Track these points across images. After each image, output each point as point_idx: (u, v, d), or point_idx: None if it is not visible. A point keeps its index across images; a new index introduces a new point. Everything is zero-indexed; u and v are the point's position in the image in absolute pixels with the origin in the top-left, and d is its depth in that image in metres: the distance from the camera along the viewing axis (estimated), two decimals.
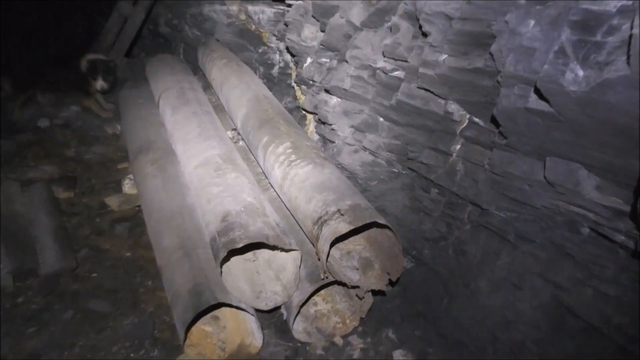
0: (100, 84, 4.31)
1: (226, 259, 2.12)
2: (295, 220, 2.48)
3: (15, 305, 2.51)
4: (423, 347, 2.33)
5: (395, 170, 2.63)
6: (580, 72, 1.42)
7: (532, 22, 1.58)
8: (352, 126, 2.74)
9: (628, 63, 1.24)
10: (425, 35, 2.03)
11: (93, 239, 3.05)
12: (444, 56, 1.97)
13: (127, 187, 3.45)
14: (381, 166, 2.67)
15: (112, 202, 3.34)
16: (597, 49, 1.37)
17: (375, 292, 2.41)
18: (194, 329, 2.28)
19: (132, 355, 2.31)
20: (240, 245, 2.07)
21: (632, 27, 1.23)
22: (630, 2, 1.25)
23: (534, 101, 1.62)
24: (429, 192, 2.51)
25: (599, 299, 1.85)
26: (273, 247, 2.23)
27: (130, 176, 3.44)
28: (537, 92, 1.55)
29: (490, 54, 1.72)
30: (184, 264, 2.30)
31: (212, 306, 2.12)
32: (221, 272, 2.13)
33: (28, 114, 4.25)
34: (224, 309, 2.37)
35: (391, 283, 2.28)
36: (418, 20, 2.02)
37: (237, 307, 2.19)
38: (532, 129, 1.73)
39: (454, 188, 2.29)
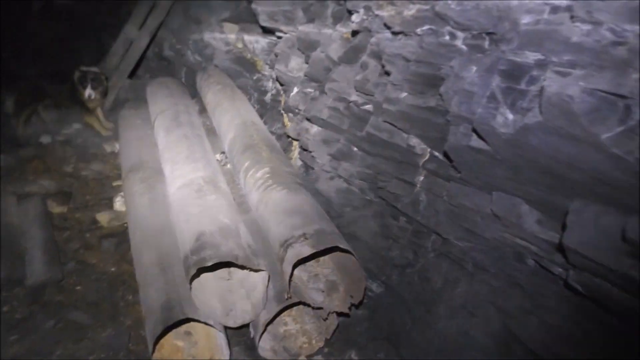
0: (88, 92, 4.49)
1: (196, 276, 2.27)
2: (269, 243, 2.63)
3: None
4: None
5: (367, 198, 2.78)
6: (510, 116, 1.58)
7: (474, 68, 1.75)
8: (330, 154, 2.91)
9: (540, 111, 1.39)
10: (387, 74, 2.20)
11: (81, 253, 3.22)
12: (404, 94, 2.14)
13: (118, 204, 3.63)
14: (354, 194, 2.82)
15: (103, 218, 3.52)
16: (522, 96, 1.53)
17: (341, 315, 2.54)
18: (166, 343, 2.41)
19: None
20: (210, 263, 2.23)
21: (544, 80, 1.39)
22: (544, 57, 1.41)
23: (475, 140, 1.78)
24: (397, 220, 2.65)
25: (542, 328, 1.96)
26: (242, 267, 2.37)
27: (122, 194, 3.63)
28: (475, 132, 1.71)
29: (440, 94, 1.89)
30: (160, 280, 2.45)
31: (181, 321, 2.26)
32: (190, 288, 2.28)
33: (31, 129, 4.48)
34: (196, 326, 2.50)
35: (354, 306, 2.41)
36: (381, 60, 2.20)
37: (205, 323, 2.33)
38: (477, 165, 1.88)
39: (419, 217, 2.44)
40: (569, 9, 1.37)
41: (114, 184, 4.06)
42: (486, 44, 1.71)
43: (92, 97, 4.53)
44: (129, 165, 3.53)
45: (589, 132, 1.30)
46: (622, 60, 1.23)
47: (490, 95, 1.60)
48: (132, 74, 5.53)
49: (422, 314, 2.48)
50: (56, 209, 3.60)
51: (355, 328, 2.75)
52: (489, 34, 1.68)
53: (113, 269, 3.12)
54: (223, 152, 3.64)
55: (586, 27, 1.30)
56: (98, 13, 5.66)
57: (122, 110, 4.54)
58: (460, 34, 1.80)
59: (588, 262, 1.57)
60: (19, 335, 2.54)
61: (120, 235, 3.37)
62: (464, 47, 1.79)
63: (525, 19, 1.50)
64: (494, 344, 2.14)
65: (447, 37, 1.84)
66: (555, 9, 1.41)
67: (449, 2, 1.75)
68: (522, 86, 1.52)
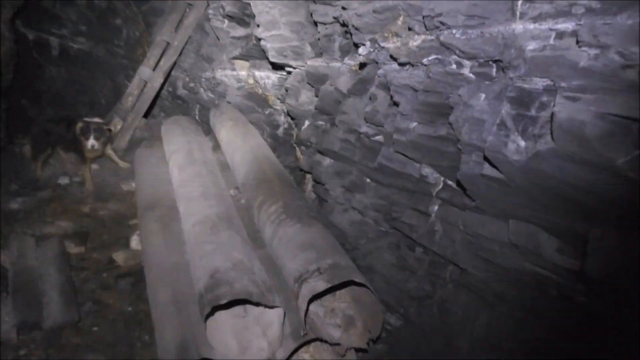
0: (91, 142, 4.50)
1: (211, 314, 2.24)
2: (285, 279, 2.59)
3: (17, 358, 2.66)
4: None
5: (382, 229, 2.75)
6: (522, 143, 1.56)
7: (482, 96, 1.73)
8: (343, 186, 2.90)
9: (552, 138, 1.36)
10: (396, 104, 2.20)
11: (98, 293, 3.22)
12: (414, 124, 2.13)
13: (134, 243, 3.65)
14: (369, 225, 2.79)
15: (119, 257, 3.53)
16: (533, 122, 1.50)
17: (359, 350, 2.47)
18: None
19: None
20: (224, 301, 2.20)
21: (554, 105, 1.36)
22: (552, 82, 1.39)
23: (487, 168, 1.75)
24: (413, 251, 2.61)
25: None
26: (257, 304, 2.34)
27: (138, 232, 3.64)
28: (487, 160, 1.68)
29: (450, 123, 1.88)
30: (175, 319, 2.43)
31: None
32: (206, 327, 2.24)
33: (49, 172, 4.57)
34: None
35: (372, 341, 2.35)
36: (389, 90, 2.20)
37: None
38: (491, 193, 1.85)
39: (435, 247, 2.39)
40: (574, 34, 1.35)
41: (131, 222, 4.08)
42: (493, 71, 1.70)
43: (95, 147, 4.55)
44: (144, 203, 3.56)
45: (604, 157, 1.27)
46: (633, 83, 1.21)
47: (501, 123, 1.58)
48: (147, 114, 5.63)
49: (443, 347, 2.41)
50: (74, 249, 3.62)
51: None
52: (495, 61, 1.68)
53: (129, 309, 3.11)
54: (237, 188, 3.65)
55: (593, 51, 1.29)
56: (113, 56, 5.81)
57: (138, 149, 4.61)
58: (467, 63, 1.80)
59: (611, 290, 1.51)
60: None
61: (137, 274, 3.36)
62: (471, 75, 1.79)
63: (531, 45, 1.49)
64: None
65: (454, 66, 1.84)
66: (560, 35, 1.40)
67: (454, 31, 1.76)
68: (533, 112, 1.50)
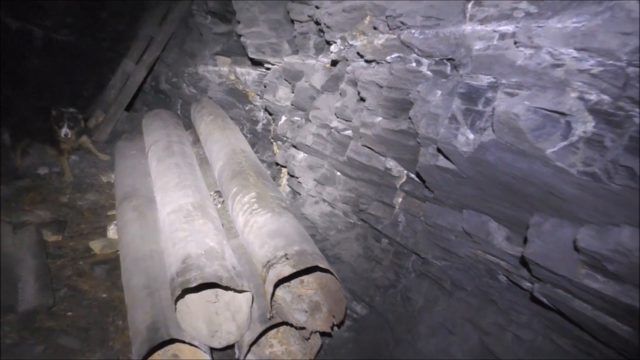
0: (64, 131, 4.58)
1: (181, 297, 2.34)
2: (254, 265, 2.70)
3: None
4: None
5: (351, 220, 2.87)
6: (471, 136, 1.69)
7: (438, 92, 1.86)
8: (315, 179, 3.02)
9: (493, 130, 1.50)
10: (363, 100, 2.33)
11: (73, 280, 3.30)
12: (379, 118, 2.26)
13: (111, 232, 3.72)
14: (338, 217, 2.91)
15: (96, 246, 3.60)
16: (480, 116, 1.64)
17: (324, 335, 2.59)
18: None
19: None
20: (194, 284, 2.30)
21: (495, 100, 1.50)
22: (495, 79, 1.53)
23: (441, 160, 1.88)
24: (379, 242, 2.73)
25: (516, 343, 2.02)
26: (227, 288, 2.44)
27: (115, 222, 3.72)
28: (440, 152, 1.81)
29: (410, 118, 2.00)
30: (147, 303, 2.52)
31: (167, 342, 2.32)
32: (176, 309, 2.34)
33: (29, 161, 4.62)
34: (183, 349, 2.55)
35: (337, 326, 2.46)
36: (357, 86, 2.33)
37: (190, 344, 2.38)
38: (446, 183, 1.98)
39: (398, 238, 2.52)
40: (513, 35, 1.49)
41: (109, 213, 4.16)
42: (448, 69, 1.84)
43: (68, 136, 4.62)
44: (122, 193, 3.64)
45: (536, 147, 1.40)
46: (561, 81, 1.34)
47: (452, 117, 1.71)
48: (130, 107, 5.71)
49: (404, 334, 2.53)
50: (51, 237, 3.68)
51: (340, 350, 2.79)
52: (449, 59, 1.81)
53: (104, 295, 3.19)
54: (217, 191, 3.71)
55: (528, 51, 1.42)
56: (98, 48, 5.87)
57: (119, 141, 4.69)
58: (425, 61, 1.93)
59: (549, 274, 1.64)
60: None
61: (112, 262, 3.44)
62: (429, 72, 1.92)
63: (478, 45, 1.62)
64: None
65: (414, 64, 1.97)
66: (502, 36, 1.54)
67: (413, 30, 1.89)
68: (480, 107, 1.63)
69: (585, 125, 1.33)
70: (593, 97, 1.29)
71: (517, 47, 1.46)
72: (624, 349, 1.57)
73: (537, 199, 1.59)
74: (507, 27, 1.52)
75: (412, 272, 2.57)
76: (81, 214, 4.14)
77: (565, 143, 1.36)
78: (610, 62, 1.23)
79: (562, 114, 1.35)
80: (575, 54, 1.31)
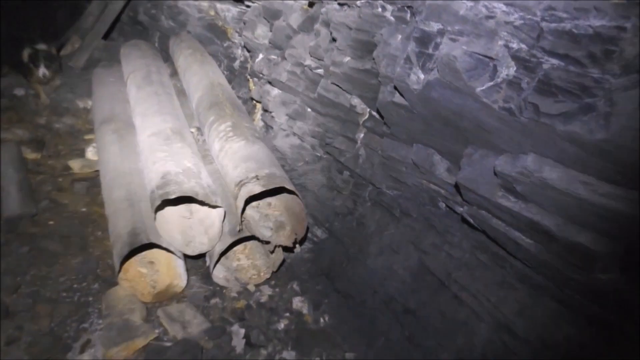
0: (42, 71, 4.60)
1: (160, 207, 2.66)
2: (227, 185, 3.03)
3: None
4: (320, 298, 2.90)
5: (317, 154, 3.21)
6: (421, 75, 2.02)
7: (399, 36, 2.17)
8: (287, 114, 3.32)
9: (437, 70, 1.83)
10: (334, 40, 2.62)
11: (54, 194, 3.57)
12: (347, 58, 2.56)
13: (90, 153, 3.97)
14: (306, 149, 3.24)
15: (75, 165, 3.86)
16: (429, 58, 1.96)
17: (287, 249, 2.98)
18: (130, 268, 2.79)
19: (75, 285, 2.83)
20: (173, 196, 2.62)
21: (441, 44, 1.82)
22: (442, 27, 1.85)
23: (397, 97, 2.21)
24: (341, 174, 3.09)
25: (448, 261, 2.43)
26: (202, 203, 2.77)
27: (94, 144, 3.96)
28: (396, 89, 2.14)
29: (373, 58, 2.31)
30: (128, 212, 2.84)
31: (145, 246, 2.66)
32: (155, 218, 2.67)
33: (6, 82, 4.75)
34: (159, 256, 2.89)
35: (297, 243, 2.84)
36: (329, 27, 2.61)
37: (167, 250, 2.73)
38: (400, 119, 2.32)
39: (358, 170, 2.88)
40: None
41: (86, 137, 4.38)
42: (408, 16, 2.14)
43: (47, 75, 4.66)
44: (101, 117, 3.87)
45: (468, 85, 1.74)
46: (492, 30, 1.67)
47: (407, 58, 2.03)
48: (107, 36, 5.79)
49: (356, 253, 2.93)
50: (30, 155, 3.91)
51: (300, 267, 3.19)
52: (408, 7, 2.11)
53: (84, 209, 3.48)
54: (198, 128, 3.94)
55: (469, 3, 1.73)
56: None
57: (96, 68, 4.85)
58: (389, 7, 2.23)
59: (475, 196, 2.02)
60: None
61: (92, 180, 3.72)
62: (392, 18, 2.22)
63: None
64: (410, 275, 2.60)
65: (380, 9, 2.27)
66: None
67: None
68: (430, 51, 1.95)
69: (508, 70, 1.67)
70: (514, 45, 1.63)
71: None
72: (527, 259, 1.97)
73: (470, 132, 1.95)
74: None
75: (368, 201, 2.95)
76: (58, 135, 4.34)
77: (491, 83, 1.70)
78: (529, 16, 1.56)
79: (491, 58, 1.68)
80: (504, 8, 1.63)
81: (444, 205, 2.45)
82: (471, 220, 2.16)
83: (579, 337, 1.85)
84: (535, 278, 1.98)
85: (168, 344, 2.51)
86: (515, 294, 2.07)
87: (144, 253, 2.79)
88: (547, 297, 1.95)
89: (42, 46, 4.73)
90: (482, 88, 1.72)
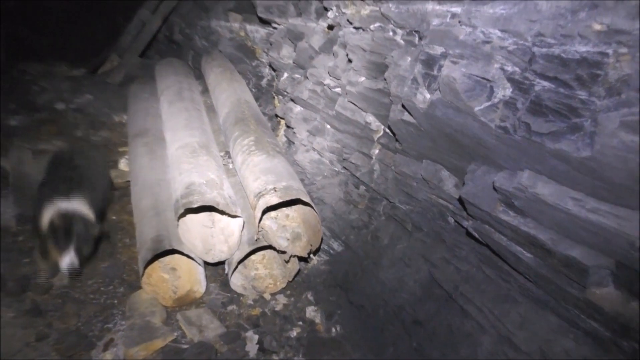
0: (69, 260, 2.77)
1: (183, 215, 2.86)
2: (247, 196, 3.21)
3: (15, 242, 3.26)
4: (333, 308, 3.02)
5: (335, 168, 3.36)
6: (427, 95, 2.16)
7: (408, 58, 2.32)
8: (308, 130, 3.50)
9: (439, 90, 1.97)
10: (350, 61, 2.79)
11: None
12: (362, 78, 2.72)
13: (123, 165, 4.23)
14: (325, 164, 3.40)
15: None
16: (434, 79, 2.10)
17: (302, 260, 3.12)
18: (154, 273, 2.99)
19: (102, 288, 3.04)
20: (195, 205, 2.81)
21: (443, 67, 1.96)
22: (445, 50, 1.99)
23: (406, 115, 2.35)
24: (358, 188, 3.23)
25: (455, 273, 2.53)
26: (222, 213, 2.95)
27: (127, 156, 4.22)
28: (404, 108, 2.28)
29: (385, 79, 2.47)
30: (153, 220, 3.04)
31: (168, 252, 2.85)
32: (178, 225, 2.86)
33: (47, 96, 5.10)
34: (181, 263, 3.08)
35: (312, 253, 2.99)
36: (346, 49, 2.78)
37: (188, 256, 2.91)
38: (410, 136, 2.45)
39: (372, 184, 3.02)
40: (459, 15, 1.94)
41: (120, 149, 4.66)
42: (416, 39, 2.29)
43: (76, 266, 2.79)
44: (134, 131, 4.13)
45: (467, 105, 1.87)
46: (488, 54, 1.80)
47: (414, 79, 2.18)
48: (143, 54, 6.15)
49: (370, 266, 3.05)
50: None
51: (316, 278, 3.33)
52: (416, 32, 2.26)
53: (114, 217, 3.72)
54: (227, 152, 4.08)
55: (468, 29, 1.87)
56: None
57: (132, 85, 5.16)
58: (399, 31, 2.39)
59: (477, 211, 2.13)
60: (30, 259, 3.13)
61: (123, 190, 3.96)
62: (402, 41, 2.38)
63: (435, 21, 2.07)
64: (420, 287, 2.71)
65: (391, 33, 2.43)
66: (453, 15, 1.98)
67: (390, 5, 2.34)
68: (435, 72, 2.09)
69: (504, 91, 1.80)
70: (509, 68, 1.75)
71: (460, 25, 1.91)
72: (528, 272, 2.06)
73: (472, 148, 2.07)
74: (457, 9, 1.97)
75: (382, 215, 3.08)
76: (95, 148, 4.63)
77: (489, 103, 1.82)
78: (522, 41, 1.69)
79: (488, 80, 1.81)
80: (499, 34, 1.76)
81: (452, 220, 2.56)
82: (476, 234, 2.26)
83: (578, 351, 1.92)
84: (536, 292, 2.06)
85: (185, 346, 2.67)
86: (518, 307, 2.16)
87: (166, 259, 2.98)
88: (548, 311, 2.03)
89: (74, 207, 2.88)
90: (480, 107, 1.84)
